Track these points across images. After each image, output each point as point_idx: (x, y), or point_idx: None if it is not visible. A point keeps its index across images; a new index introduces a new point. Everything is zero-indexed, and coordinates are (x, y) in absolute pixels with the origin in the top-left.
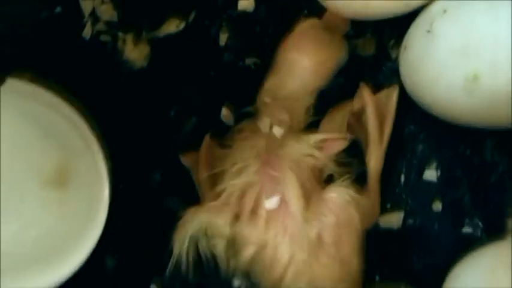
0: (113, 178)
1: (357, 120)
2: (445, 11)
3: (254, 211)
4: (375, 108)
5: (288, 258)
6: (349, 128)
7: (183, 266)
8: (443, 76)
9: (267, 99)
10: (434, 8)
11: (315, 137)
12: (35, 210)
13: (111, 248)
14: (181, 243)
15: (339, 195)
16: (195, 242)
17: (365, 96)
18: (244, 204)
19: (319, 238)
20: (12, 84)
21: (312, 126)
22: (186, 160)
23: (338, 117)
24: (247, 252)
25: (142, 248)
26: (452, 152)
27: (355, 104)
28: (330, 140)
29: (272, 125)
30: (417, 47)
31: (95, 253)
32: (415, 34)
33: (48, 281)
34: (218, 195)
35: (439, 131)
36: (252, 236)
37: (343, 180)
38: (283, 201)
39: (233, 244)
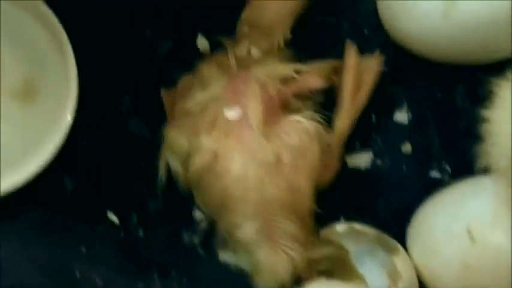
0: (81, 96)
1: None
2: None
3: (213, 122)
4: (354, 70)
5: (239, 170)
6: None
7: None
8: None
9: (245, 29)
10: None
11: (294, 65)
12: None
13: (71, 168)
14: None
15: (306, 121)
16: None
17: (348, 58)
18: (205, 116)
19: (277, 157)
20: None
21: None
22: (164, 95)
23: (325, 64)
24: (199, 160)
25: (103, 172)
26: (423, 95)
27: (341, 63)
28: (309, 74)
29: (250, 48)
30: None
31: (54, 173)
32: None
33: None
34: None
35: (412, 72)
36: (206, 144)
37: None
38: (244, 114)
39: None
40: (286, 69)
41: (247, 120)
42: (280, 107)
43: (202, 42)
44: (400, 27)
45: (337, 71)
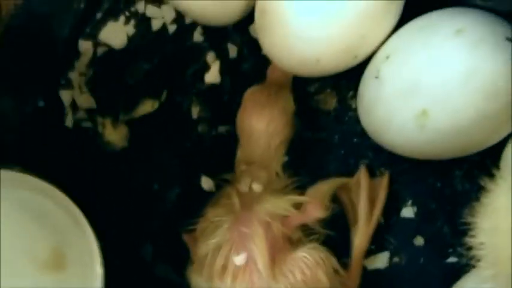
0: (107, 255)
1: (349, 198)
2: (387, 57)
3: (224, 267)
4: (368, 191)
5: None
6: (341, 202)
7: None
8: (395, 116)
9: (243, 167)
10: (379, 56)
11: (294, 198)
12: None
13: None
14: None
15: (310, 255)
16: None
17: (362, 179)
18: (216, 262)
19: None
20: (6, 175)
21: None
22: (186, 238)
23: (325, 187)
24: None
25: None
26: (424, 187)
27: (353, 182)
28: (311, 204)
29: (251, 183)
30: (369, 93)
31: None
32: (366, 82)
33: None
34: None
35: (408, 168)
36: None
37: (314, 243)
38: (251, 258)
39: None
40: (287, 205)
41: (254, 264)
42: (285, 242)
43: (206, 183)
44: (383, 139)
45: (341, 189)
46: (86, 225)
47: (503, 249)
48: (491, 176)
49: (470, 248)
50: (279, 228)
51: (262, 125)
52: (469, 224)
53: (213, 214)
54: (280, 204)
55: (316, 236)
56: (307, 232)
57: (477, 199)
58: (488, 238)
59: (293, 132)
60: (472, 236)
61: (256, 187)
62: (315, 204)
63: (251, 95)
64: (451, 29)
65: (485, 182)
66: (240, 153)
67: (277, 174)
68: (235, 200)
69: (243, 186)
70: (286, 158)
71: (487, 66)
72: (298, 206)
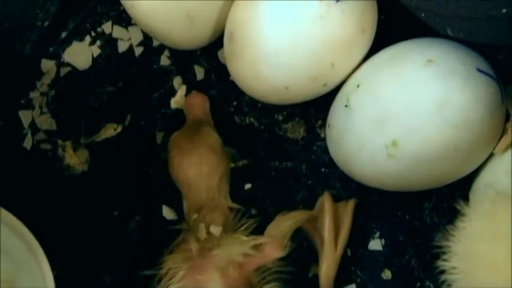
0: (62, 286)
1: (314, 227)
2: (358, 86)
3: None
4: (333, 217)
5: None
6: (307, 233)
7: None
8: (366, 146)
9: (194, 216)
10: (349, 84)
11: (253, 240)
12: None
13: None
14: None
15: None
16: None
17: (326, 205)
18: None
19: None
20: None
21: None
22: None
23: (285, 224)
24: None
25: None
26: (392, 220)
27: (315, 211)
28: (269, 245)
29: (208, 226)
30: (339, 123)
31: None
32: (336, 110)
33: None
34: None
35: (376, 200)
36: None
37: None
38: None
39: None
40: (244, 249)
41: None
42: (244, 285)
43: (168, 211)
44: (352, 169)
45: (312, 223)
46: (40, 253)
47: (477, 275)
48: (466, 200)
49: (442, 272)
50: (237, 271)
51: (196, 170)
52: (441, 247)
53: (171, 261)
54: (237, 248)
55: (278, 276)
56: (268, 272)
57: (447, 229)
58: (462, 263)
59: (229, 162)
60: (445, 260)
61: (215, 230)
62: (273, 244)
63: (175, 144)
64: (421, 59)
65: (460, 205)
66: (186, 203)
67: (230, 209)
68: (193, 246)
69: (201, 234)
70: (250, 185)
71: (458, 97)
72: (256, 247)
